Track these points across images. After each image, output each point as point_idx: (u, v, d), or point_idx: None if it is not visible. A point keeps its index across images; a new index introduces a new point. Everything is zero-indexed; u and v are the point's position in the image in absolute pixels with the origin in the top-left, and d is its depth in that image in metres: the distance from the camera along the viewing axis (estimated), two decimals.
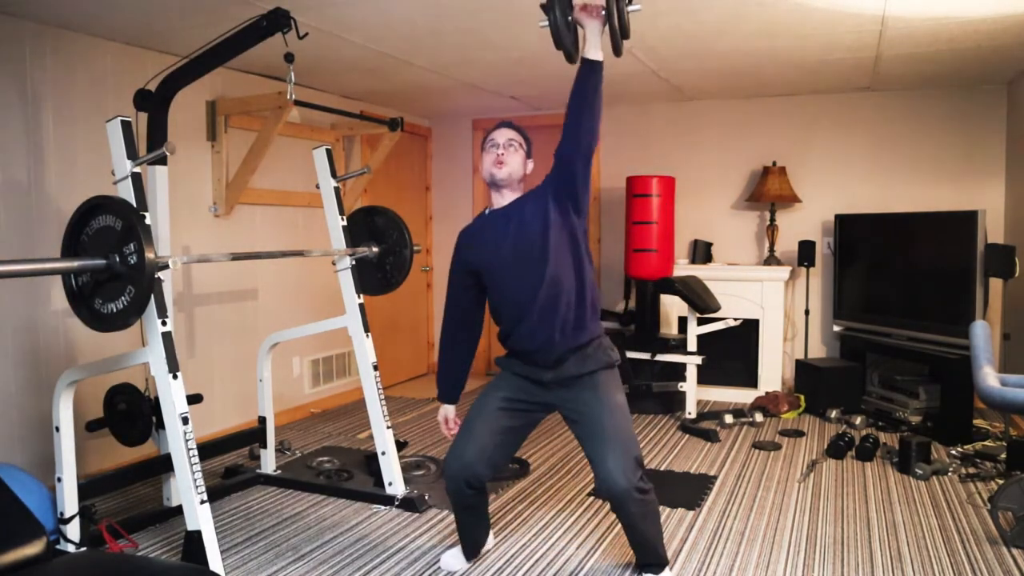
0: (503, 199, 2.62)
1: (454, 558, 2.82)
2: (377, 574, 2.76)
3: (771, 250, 5.47)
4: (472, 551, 2.84)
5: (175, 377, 2.57)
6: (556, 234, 2.51)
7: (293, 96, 3.13)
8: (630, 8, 2.40)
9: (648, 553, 2.62)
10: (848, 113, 5.40)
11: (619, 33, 2.40)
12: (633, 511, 2.44)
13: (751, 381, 5.46)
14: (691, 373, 4.87)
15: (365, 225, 3.63)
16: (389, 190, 5.91)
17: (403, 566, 2.82)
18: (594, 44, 2.41)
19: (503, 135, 2.63)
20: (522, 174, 2.65)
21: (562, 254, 2.52)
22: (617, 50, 2.49)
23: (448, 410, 2.85)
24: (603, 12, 2.38)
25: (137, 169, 2.60)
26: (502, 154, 2.58)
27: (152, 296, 2.45)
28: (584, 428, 2.49)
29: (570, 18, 2.45)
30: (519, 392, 2.61)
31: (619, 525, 3.16)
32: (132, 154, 2.60)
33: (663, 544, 2.65)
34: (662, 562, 2.65)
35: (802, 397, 5.09)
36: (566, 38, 2.47)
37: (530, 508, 3.40)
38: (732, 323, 5.04)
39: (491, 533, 2.95)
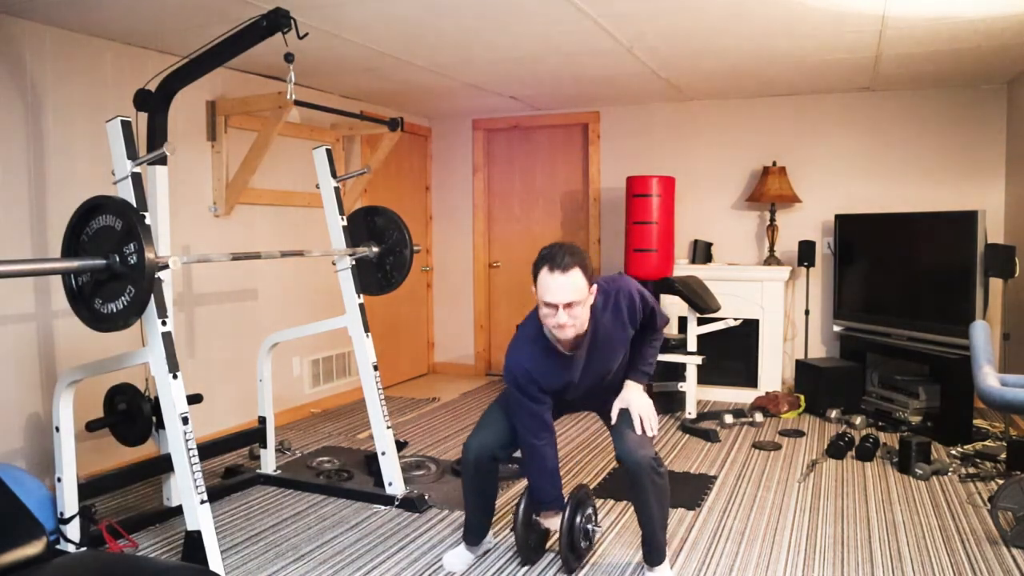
0: (567, 338, 2.42)
1: (456, 557, 2.83)
2: (377, 574, 2.76)
3: (771, 250, 5.47)
4: (476, 535, 2.85)
5: (175, 377, 2.57)
6: (625, 348, 2.64)
7: (293, 96, 3.13)
8: (588, 540, 2.79)
9: (652, 540, 2.65)
10: (848, 113, 5.40)
11: (571, 555, 2.70)
12: (650, 484, 2.54)
13: (751, 381, 5.46)
14: (691, 373, 4.87)
15: (365, 225, 3.63)
16: (389, 190, 5.91)
17: (403, 566, 2.82)
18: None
19: (560, 294, 2.29)
20: (587, 320, 2.40)
21: (626, 352, 2.67)
22: (564, 562, 2.71)
23: (559, 514, 2.67)
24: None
25: (137, 169, 2.60)
26: (562, 320, 2.31)
27: (152, 296, 2.45)
28: (609, 405, 2.69)
29: (534, 518, 2.77)
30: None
31: (618, 525, 3.17)
32: (132, 154, 2.60)
33: (665, 536, 2.70)
34: (661, 555, 2.68)
35: (802, 397, 5.09)
36: (523, 542, 2.77)
37: None
38: (732, 323, 5.04)
39: (491, 533, 2.96)
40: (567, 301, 2.30)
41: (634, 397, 2.64)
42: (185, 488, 2.58)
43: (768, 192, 5.33)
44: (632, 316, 2.56)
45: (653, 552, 2.67)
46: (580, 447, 4.33)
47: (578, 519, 2.71)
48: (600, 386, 2.67)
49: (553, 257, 2.31)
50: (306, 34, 2.83)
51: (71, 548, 2.77)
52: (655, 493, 2.56)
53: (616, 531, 3.12)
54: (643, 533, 2.66)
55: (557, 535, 2.71)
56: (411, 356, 6.40)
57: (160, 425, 3.25)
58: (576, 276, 2.30)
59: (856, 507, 3.38)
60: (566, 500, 2.69)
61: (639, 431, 2.57)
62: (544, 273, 2.32)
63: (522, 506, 2.71)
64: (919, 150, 5.26)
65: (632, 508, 2.73)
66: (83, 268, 2.38)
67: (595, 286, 2.42)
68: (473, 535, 2.85)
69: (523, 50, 4.09)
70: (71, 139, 3.58)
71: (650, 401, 2.65)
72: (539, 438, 2.57)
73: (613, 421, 2.66)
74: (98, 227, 2.42)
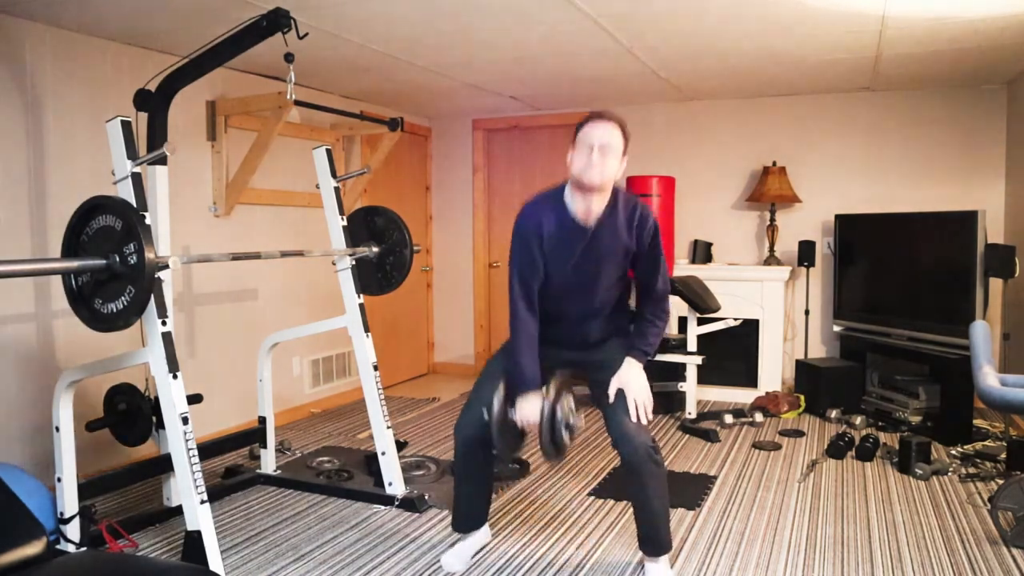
0: (586, 203, 2.49)
1: (455, 557, 2.82)
2: (377, 574, 2.76)
3: (771, 250, 5.47)
4: (467, 523, 2.84)
5: (175, 377, 2.57)
6: (622, 262, 2.61)
7: (293, 96, 3.13)
8: (570, 431, 2.56)
9: (653, 531, 2.63)
10: (848, 113, 5.40)
11: (549, 446, 2.55)
12: (648, 473, 2.51)
13: (751, 381, 5.46)
14: (691, 373, 4.87)
15: (365, 225, 3.63)
16: (389, 190, 5.91)
17: (403, 566, 2.82)
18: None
19: (599, 135, 2.42)
20: (612, 179, 2.49)
21: (620, 276, 2.64)
22: (546, 455, 2.59)
23: (537, 400, 2.52)
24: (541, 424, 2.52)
25: (137, 169, 2.60)
26: (594, 161, 2.41)
27: (152, 296, 2.45)
28: (604, 382, 2.62)
29: (510, 415, 2.57)
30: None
31: (619, 525, 3.17)
32: (132, 154, 2.60)
33: (669, 525, 2.66)
34: (666, 544, 2.65)
35: (802, 397, 5.09)
36: (500, 442, 2.61)
37: (530, 508, 3.40)
38: (732, 323, 5.04)
39: (488, 529, 2.95)
40: (603, 142, 2.41)
41: (632, 378, 2.57)
42: (185, 488, 2.58)
43: (768, 192, 5.33)
44: (641, 229, 2.54)
45: (657, 544, 2.64)
46: (580, 447, 4.33)
47: (558, 413, 2.50)
48: (588, 290, 2.59)
49: (599, 112, 2.50)
50: (306, 34, 2.83)
51: (71, 548, 2.77)
52: (654, 482, 2.53)
53: (616, 531, 3.12)
54: (644, 526, 2.63)
55: (537, 433, 2.53)
56: (411, 356, 6.40)
57: (160, 425, 3.25)
58: (616, 130, 2.45)
59: (856, 507, 3.38)
60: (547, 387, 2.53)
61: (634, 418, 2.54)
62: (588, 124, 2.46)
63: (496, 403, 2.55)
64: (919, 150, 5.26)
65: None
66: (83, 268, 2.38)
67: (626, 160, 2.50)
68: (463, 523, 2.83)
69: (523, 50, 4.09)
70: (71, 139, 3.58)
71: (647, 384, 2.59)
72: (525, 311, 2.55)
73: (611, 400, 2.58)
74: (98, 227, 2.42)
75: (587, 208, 2.50)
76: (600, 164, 2.40)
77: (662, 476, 2.57)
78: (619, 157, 2.46)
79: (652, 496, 2.56)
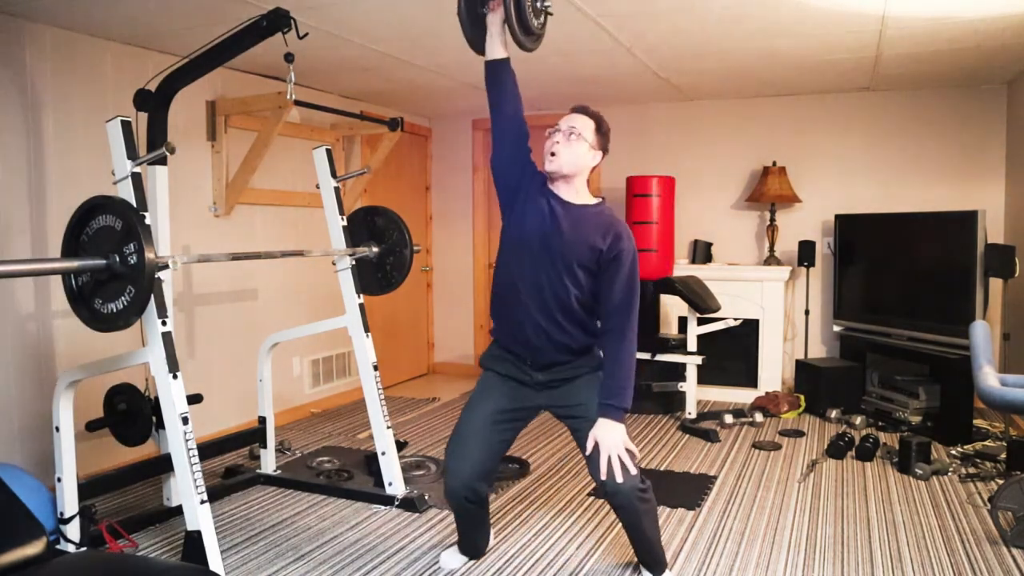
0: (558, 191, 2.46)
1: (453, 557, 2.82)
2: (377, 574, 2.76)
3: (771, 250, 5.47)
4: (473, 553, 2.85)
5: (175, 377, 2.57)
6: (588, 264, 2.43)
7: (293, 96, 3.13)
8: (542, 4, 2.38)
9: (649, 554, 2.62)
10: (848, 113, 5.40)
11: (517, 28, 2.35)
12: (636, 511, 2.44)
13: (751, 381, 5.46)
14: (691, 373, 4.87)
15: (365, 225, 3.63)
16: (389, 190, 5.91)
17: (403, 566, 2.82)
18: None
19: (566, 121, 2.43)
20: (579, 169, 2.43)
21: (583, 283, 2.45)
22: (519, 44, 2.42)
23: None
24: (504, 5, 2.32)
25: (137, 169, 2.60)
26: (557, 143, 2.40)
27: (152, 296, 2.45)
28: (582, 432, 2.46)
29: (482, 10, 2.43)
30: (509, 402, 2.55)
31: (618, 525, 3.16)
32: (132, 154, 2.60)
33: (662, 546, 2.66)
34: (662, 564, 2.66)
35: (802, 397, 5.09)
36: (468, 30, 2.46)
37: (530, 508, 3.40)
38: (732, 323, 5.04)
39: (491, 533, 2.95)
40: (570, 125, 2.40)
41: (603, 436, 2.37)
42: (185, 488, 2.58)
43: (768, 192, 5.33)
44: (616, 242, 2.40)
45: (654, 564, 2.64)
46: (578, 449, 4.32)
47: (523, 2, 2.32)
48: (551, 270, 2.40)
49: (574, 106, 2.49)
50: (306, 34, 2.83)
51: (71, 548, 2.77)
52: (646, 517, 2.48)
53: (616, 531, 3.12)
54: (641, 551, 2.62)
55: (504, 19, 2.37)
56: (411, 356, 6.40)
57: (160, 425, 3.25)
58: (585, 119, 2.42)
59: (856, 507, 3.38)
60: None
61: (604, 475, 2.36)
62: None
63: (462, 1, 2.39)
64: (919, 150, 5.26)
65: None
66: (83, 268, 2.38)
67: (600, 153, 2.46)
68: (469, 552, 2.83)
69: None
70: (71, 139, 3.58)
71: (623, 438, 2.38)
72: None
73: (588, 452, 2.42)
74: (98, 227, 2.42)
75: (557, 190, 2.46)
76: (561, 147, 2.39)
77: (652, 509, 2.50)
78: (587, 146, 2.41)
79: (646, 528, 2.52)
